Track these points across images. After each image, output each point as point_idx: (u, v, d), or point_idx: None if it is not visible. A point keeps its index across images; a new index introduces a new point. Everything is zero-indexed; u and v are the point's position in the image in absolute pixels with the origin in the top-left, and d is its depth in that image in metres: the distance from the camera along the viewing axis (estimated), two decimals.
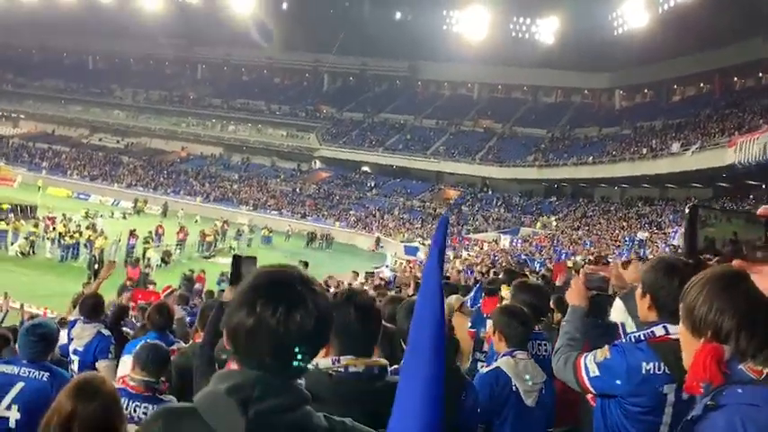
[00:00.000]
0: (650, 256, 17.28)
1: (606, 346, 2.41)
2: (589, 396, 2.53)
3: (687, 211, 1.27)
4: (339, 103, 61.14)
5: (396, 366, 2.39)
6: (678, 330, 1.66)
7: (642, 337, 2.34)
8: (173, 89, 66.35)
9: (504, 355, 3.22)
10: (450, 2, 48.46)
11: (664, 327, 2.29)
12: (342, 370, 1.83)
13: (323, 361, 1.86)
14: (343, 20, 53.19)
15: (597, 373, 2.38)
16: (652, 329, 2.33)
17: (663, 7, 37.25)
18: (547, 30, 47.32)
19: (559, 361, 2.59)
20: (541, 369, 3.26)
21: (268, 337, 1.31)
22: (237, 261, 3.80)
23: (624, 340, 2.43)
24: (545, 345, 3.91)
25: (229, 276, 3.91)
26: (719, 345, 1.44)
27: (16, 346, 6.84)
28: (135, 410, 3.40)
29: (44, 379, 3.77)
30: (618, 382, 2.32)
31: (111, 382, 2.53)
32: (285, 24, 55.40)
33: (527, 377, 3.12)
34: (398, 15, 52.60)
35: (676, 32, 37.35)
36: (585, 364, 2.44)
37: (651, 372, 2.27)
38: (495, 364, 3.22)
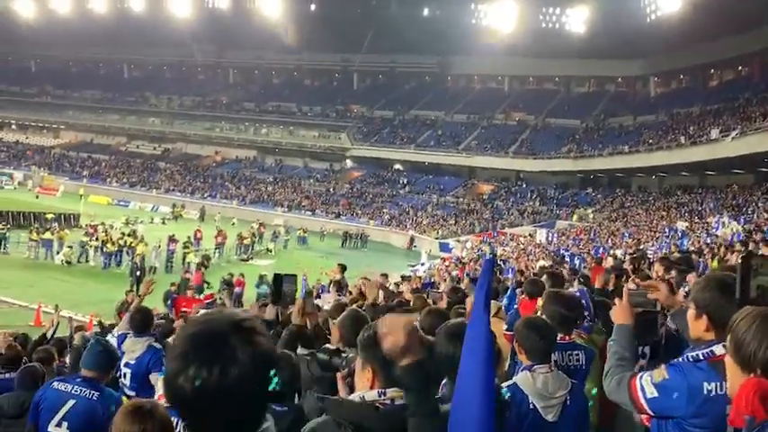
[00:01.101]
0: (690, 247, 16.93)
1: (663, 366, 2.35)
2: (644, 416, 2.50)
3: (739, 260, 1.27)
4: (369, 102, 61.27)
5: (441, 394, 2.43)
6: (726, 358, 1.66)
7: (702, 357, 2.27)
8: (206, 94, 67.36)
9: (523, 370, 3.11)
10: None
11: (723, 345, 2.16)
12: (388, 402, 1.86)
13: (369, 393, 1.89)
14: (370, 18, 53.24)
15: (655, 394, 2.32)
16: (711, 348, 2.26)
17: None
18: (577, 19, 46.53)
19: (612, 382, 2.52)
20: (568, 378, 3.19)
21: (212, 401, 1.25)
22: (278, 280, 3.89)
23: (681, 360, 2.35)
24: (576, 354, 3.86)
25: (272, 295, 4.02)
26: (765, 380, 1.43)
27: (67, 359, 7.12)
28: (184, 429, 3.50)
29: (94, 398, 3.93)
30: (678, 403, 2.25)
31: (162, 407, 2.63)
32: (313, 25, 55.59)
33: (546, 393, 3.05)
34: (426, 11, 52.34)
35: (711, 15, 36.37)
36: (642, 385, 2.37)
37: (713, 392, 2.19)
38: (512, 380, 3.16)
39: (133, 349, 5.19)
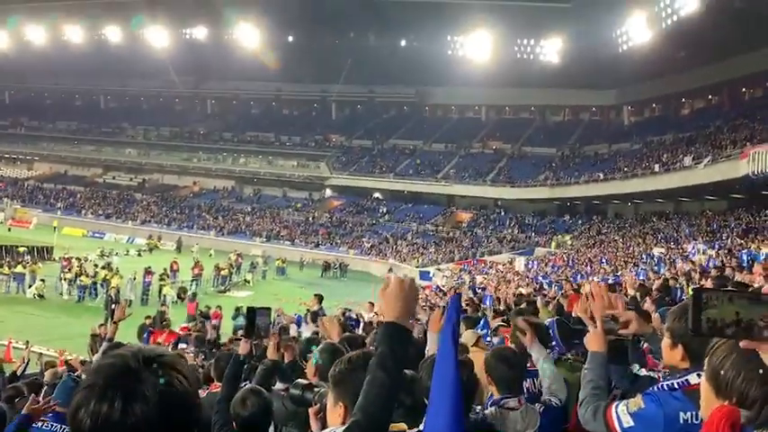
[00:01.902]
0: (667, 274, 17.07)
1: (639, 396, 2.33)
2: None
3: (691, 294, 1.26)
4: (348, 132, 61.58)
5: (418, 429, 2.35)
6: (701, 382, 1.64)
7: (677, 386, 2.27)
8: (183, 125, 67.19)
9: (492, 404, 3.04)
10: (453, 27, 48.81)
11: (698, 374, 2.17)
12: None
13: (341, 429, 1.83)
14: (348, 49, 53.79)
15: (632, 423, 2.29)
16: (686, 378, 2.25)
17: (666, 22, 37.28)
18: (551, 49, 47.48)
19: (587, 412, 2.50)
20: (538, 415, 3.12)
21: None
22: (251, 313, 3.80)
23: (657, 389, 2.33)
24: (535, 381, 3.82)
25: (245, 329, 3.92)
26: (736, 408, 1.41)
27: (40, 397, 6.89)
28: None
29: None
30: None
31: None
32: (291, 56, 56.03)
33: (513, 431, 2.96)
34: (403, 42, 53.04)
35: (681, 46, 37.39)
36: (617, 415, 2.35)
37: (689, 421, 2.18)
38: (480, 415, 3.06)
39: None
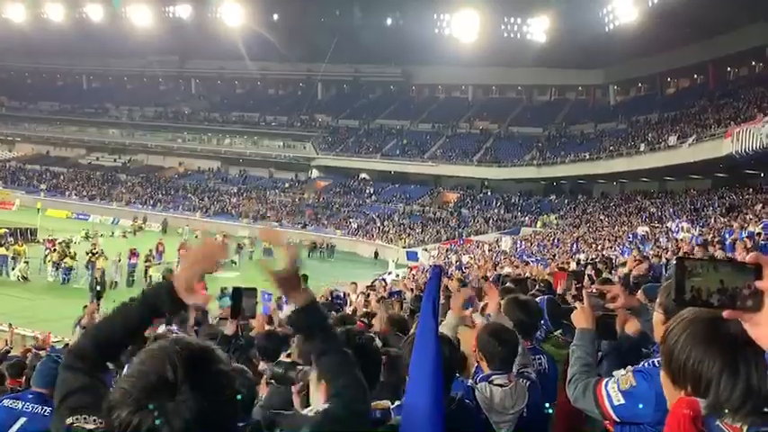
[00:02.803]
0: (651, 252, 17.22)
1: (630, 373, 2.32)
2: (606, 422, 2.46)
3: (674, 263, 1.21)
4: (334, 112, 61.21)
5: (398, 403, 2.35)
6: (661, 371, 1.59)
7: None
8: (167, 105, 66.44)
9: (480, 380, 3.01)
10: (440, 5, 48.49)
11: None
12: None
13: (323, 407, 1.82)
14: (334, 28, 53.26)
15: (622, 401, 2.29)
16: None
17: (651, 1, 37.28)
18: (538, 29, 47.34)
19: (577, 389, 2.48)
20: (527, 391, 3.11)
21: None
22: (237, 293, 3.76)
23: (647, 365, 2.32)
24: (539, 359, 3.82)
25: (231, 309, 3.89)
26: (695, 400, 1.37)
27: (23, 379, 6.85)
28: None
29: (45, 414, 3.78)
30: (646, 410, 2.22)
31: None
32: (277, 35, 55.39)
33: (502, 409, 2.93)
34: (390, 21, 52.62)
35: (667, 25, 37.37)
36: (608, 392, 2.34)
37: None
38: (460, 393, 3.03)
39: None
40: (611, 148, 40.71)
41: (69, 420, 1.44)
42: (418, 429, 1.43)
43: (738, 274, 1.16)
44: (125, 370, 1.28)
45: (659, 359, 2.27)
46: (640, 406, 2.23)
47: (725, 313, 1.17)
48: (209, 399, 1.18)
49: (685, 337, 1.43)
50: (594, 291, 2.83)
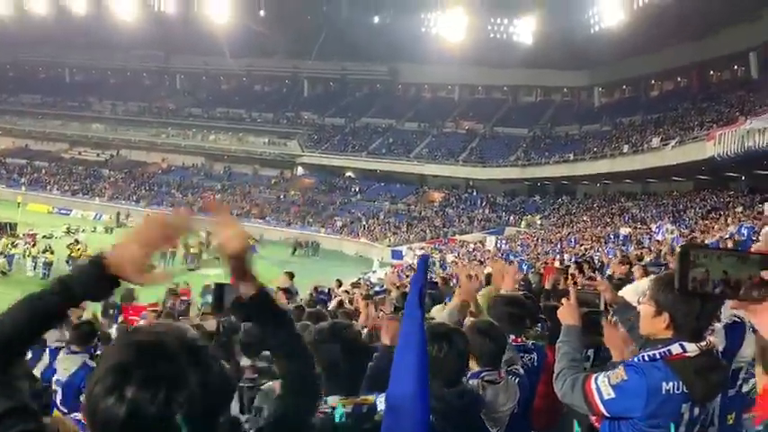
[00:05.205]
0: (633, 252, 17.36)
1: (621, 367, 2.32)
2: (593, 417, 2.46)
3: (678, 251, 1.21)
4: (320, 109, 60.99)
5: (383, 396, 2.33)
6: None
7: (658, 356, 2.26)
8: (151, 100, 65.80)
9: (471, 377, 2.97)
10: (427, 5, 48.53)
11: (680, 345, 2.23)
12: (328, 411, 1.77)
13: (274, 397, 1.80)
14: (321, 25, 53.09)
15: (612, 395, 2.28)
16: (668, 348, 2.25)
17: (637, 3, 37.59)
18: (524, 30, 47.55)
19: (565, 385, 2.48)
20: (517, 388, 3.11)
21: (149, 428, 1.05)
22: (220, 289, 3.70)
23: (637, 359, 2.32)
24: (530, 357, 3.82)
25: (212, 304, 3.84)
26: None
27: None
28: None
29: None
30: (638, 404, 2.22)
31: (71, 425, 2.45)
32: (263, 31, 55.12)
33: (493, 408, 2.92)
34: (377, 19, 52.54)
35: (652, 28, 37.71)
36: (598, 387, 2.33)
37: (671, 392, 2.19)
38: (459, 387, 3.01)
39: (66, 366, 4.93)
40: (594, 149, 41.01)
41: None
42: (401, 421, 1.41)
43: (743, 264, 1.15)
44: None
45: (650, 353, 2.29)
46: (631, 400, 2.23)
47: (730, 303, 1.17)
48: (209, 372, 1.13)
49: None
50: (583, 286, 2.84)
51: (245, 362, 3.82)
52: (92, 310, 9.42)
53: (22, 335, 1.34)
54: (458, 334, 2.55)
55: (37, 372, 5.36)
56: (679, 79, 46.58)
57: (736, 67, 40.68)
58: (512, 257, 26.31)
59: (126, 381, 1.04)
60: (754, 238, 13.87)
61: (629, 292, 3.71)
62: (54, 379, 4.92)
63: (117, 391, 1.04)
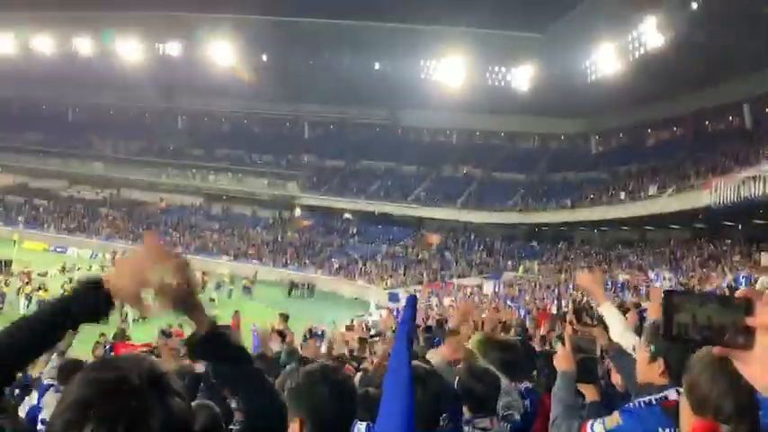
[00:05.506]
0: (631, 300, 17.30)
1: (616, 412, 2.30)
2: None
3: (662, 297, 1.22)
4: (320, 152, 61.48)
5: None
6: (681, 398, 1.64)
7: (654, 401, 2.25)
8: (152, 140, 66.28)
9: (464, 424, 2.90)
10: (427, 52, 49.47)
11: (676, 390, 2.19)
12: None
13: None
14: (323, 70, 53.96)
15: None
16: (665, 394, 2.25)
17: (634, 54, 38.32)
18: (522, 77, 48.37)
19: (560, 431, 2.47)
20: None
21: None
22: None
23: (634, 405, 2.32)
24: (523, 402, 3.75)
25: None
26: (715, 423, 1.39)
27: None
28: None
29: None
30: None
31: None
32: (265, 75, 56.01)
33: None
34: (377, 65, 53.48)
35: (648, 78, 38.40)
36: None
37: None
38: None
39: (52, 404, 4.83)
40: (592, 196, 41.26)
41: None
42: None
43: (726, 310, 1.14)
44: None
45: (646, 399, 2.26)
46: None
47: (714, 350, 1.15)
48: (176, 408, 1.08)
49: (711, 370, 1.49)
50: (577, 332, 2.82)
51: (235, 404, 3.76)
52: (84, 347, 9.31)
53: (21, 353, 1.37)
54: (433, 376, 2.51)
55: (23, 410, 5.28)
56: (674, 129, 47.19)
57: (731, 118, 41.27)
58: (509, 303, 26.16)
59: (85, 417, 1.00)
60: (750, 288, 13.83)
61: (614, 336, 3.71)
62: (40, 417, 4.83)
63: (76, 428, 1.00)
